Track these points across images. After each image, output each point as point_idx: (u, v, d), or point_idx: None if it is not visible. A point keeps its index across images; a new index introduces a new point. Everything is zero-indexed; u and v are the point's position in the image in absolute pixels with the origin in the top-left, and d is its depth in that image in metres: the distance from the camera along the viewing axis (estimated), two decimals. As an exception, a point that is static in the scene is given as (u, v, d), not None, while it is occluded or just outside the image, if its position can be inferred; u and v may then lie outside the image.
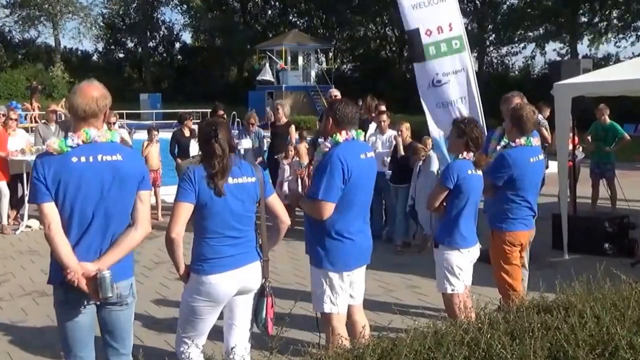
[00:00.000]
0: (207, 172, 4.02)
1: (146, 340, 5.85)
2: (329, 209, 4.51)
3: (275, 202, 4.34)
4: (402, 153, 9.48)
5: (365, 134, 9.95)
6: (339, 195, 4.51)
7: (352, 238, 4.62)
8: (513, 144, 5.75)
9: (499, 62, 50.96)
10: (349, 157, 4.54)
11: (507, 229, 5.69)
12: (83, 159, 3.66)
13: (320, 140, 4.84)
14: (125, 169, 3.75)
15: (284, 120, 11.69)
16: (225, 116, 12.61)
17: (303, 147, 11.99)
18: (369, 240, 4.83)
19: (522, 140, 5.71)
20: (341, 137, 4.62)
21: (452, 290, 5.25)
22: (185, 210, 3.98)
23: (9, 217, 10.90)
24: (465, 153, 5.27)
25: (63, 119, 13.65)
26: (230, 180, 4.05)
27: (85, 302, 3.75)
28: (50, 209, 3.63)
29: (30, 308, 6.88)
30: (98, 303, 3.75)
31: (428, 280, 7.25)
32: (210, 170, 4.01)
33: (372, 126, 10.37)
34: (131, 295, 3.91)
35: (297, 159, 11.07)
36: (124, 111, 34.59)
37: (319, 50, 47.98)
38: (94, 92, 3.73)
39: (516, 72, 49.20)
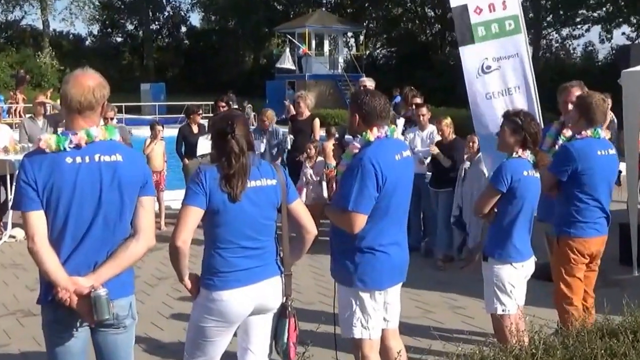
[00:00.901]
0: (220, 174, 4.03)
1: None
2: (360, 221, 4.50)
3: (299, 208, 4.35)
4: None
5: None
6: (372, 204, 4.49)
7: (386, 251, 4.60)
8: (578, 136, 5.75)
9: (559, 46, 50.65)
10: (383, 160, 4.51)
11: (576, 235, 5.68)
12: (78, 159, 3.65)
13: (349, 138, 4.83)
14: (126, 171, 3.75)
15: (306, 114, 11.69)
16: (230, 107, 12.60)
17: (330, 145, 12.00)
18: (406, 254, 4.81)
19: (589, 132, 5.72)
20: (372, 135, 4.60)
21: (503, 310, 5.23)
22: (194, 215, 4.01)
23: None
24: (520, 151, 5.26)
25: (50, 112, 13.67)
26: (247, 183, 4.07)
27: (78, 324, 3.74)
28: (37, 218, 3.60)
29: (14, 330, 6.94)
30: (92, 326, 3.76)
31: (474, 299, 7.23)
32: (225, 171, 4.03)
33: (401, 122, 10.35)
34: (130, 316, 3.89)
35: (322, 158, 11.06)
36: (123, 104, 34.88)
37: (347, 33, 48.05)
38: (90, 81, 3.74)
39: (577, 59, 48.88)
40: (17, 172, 11.28)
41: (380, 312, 4.70)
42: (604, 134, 5.83)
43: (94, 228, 3.69)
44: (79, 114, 3.71)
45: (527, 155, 5.27)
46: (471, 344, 4.21)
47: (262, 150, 11.38)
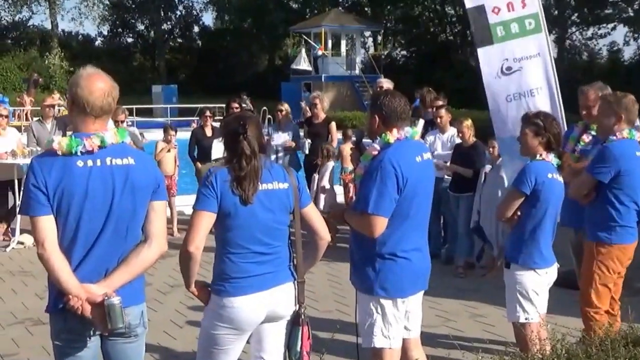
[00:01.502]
0: (231, 176, 4.06)
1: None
2: (381, 224, 4.50)
3: (312, 213, 4.35)
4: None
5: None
6: (393, 207, 4.50)
7: (408, 257, 4.60)
8: (614, 138, 5.74)
9: (583, 46, 50.46)
10: (403, 161, 4.51)
11: (615, 241, 5.67)
12: (90, 162, 3.66)
13: (367, 141, 4.84)
14: (138, 175, 3.76)
15: (322, 116, 11.72)
16: (242, 108, 12.62)
17: (347, 148, 12.05)
18: (428, 260, 4.81)
19: (625, 133, 5.73)
20: (392, 136, 4.60)
21: (526, 319, 5.23)
22: (206, 220, 4.03)
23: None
24: (544, 154, 5.26)
25: (59, 114, 13.64)
26: (258, 186, 4.08)
27: (90, 333, 3.75)
28: (47, 223, 3.60)
29: (23, 339, 6.98)
30: (106, 334, 3.76)
31: (495, 308, 7.24)
32: (236, 173, 4.05)
33: (420, 124, 10.36)
34: (142, 325, 3.91)
35: (331, 163, 11.08)
36: (134, 106, 34.96)
37: (365, 32, 48.01)
38: (104, 83, 3.75)
39: (604, 59, 48.68)
40: (25, 176, 11.49)
41: (402, 321, 4.70)
42: (639, 135, 5.82)
43: (105, 234, 3.69)
44: (95, 118, 3.72)
45: (551, 158, 5.27)
46: (491, 353, 4.22)
47: (284, 141, 11.47)
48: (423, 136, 10.02)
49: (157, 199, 3.86)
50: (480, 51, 9.62)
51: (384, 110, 4.65)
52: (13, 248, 10.77)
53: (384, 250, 4.56)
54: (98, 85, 3.72)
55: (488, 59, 9.55)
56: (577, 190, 5.72)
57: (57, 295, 3.68)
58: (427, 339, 6.30)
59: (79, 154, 3.65)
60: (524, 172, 5.27)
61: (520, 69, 9.48)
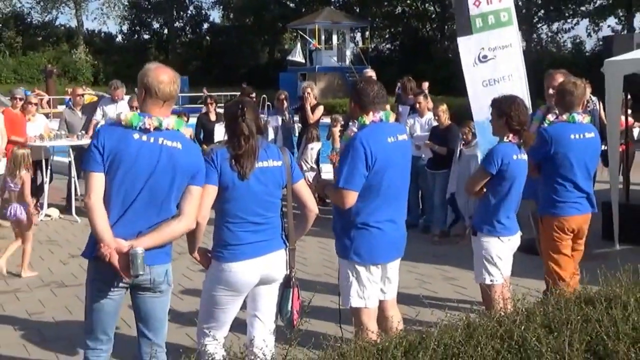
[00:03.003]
0: (231, 154, 4.05)
1: (169, 333, 5.90)
2: (350, 197, 4.48)
3: (302, 189, 4.34)
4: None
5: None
6: (362, 182, 4.47)
7: (380, 227, 4.57)
8: (555, 120, 5.69)
9: (549, 39, 50.28)
10: (373, 141, 4.48)
11: (557, 214, 5.63)
12: (144, 137, 3.79)
13: (351, 124, 4.81)
14: (183, 158, 3.85)
15: (313, 103, 11.66)
16: (254, 98, 12.65)
17: (337, 131, 12.05)
18: (401, 231, 4.76)
19: (564, 116, 5.65)
20: (367, 118, 4.58)
21: (491, 280, 5.20)
22: (209, 193, 4.03)
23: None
24: (511, 136, 5.21)
25: (84, 102, 13.75)
26: (255, 163, 4.07)
27: (116, 283, 3.83)
28: (97, 179, 3.74)
29: (48, 300, 7.01)
30: (130, 281, 3.81)
31: (466, 271, 7.19)
32: (235, 152, 4.05)
33: (405, 110, 10.33)
34: (166, 282, 3.98)
35: (312, 145, 11.05)
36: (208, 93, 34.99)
37: (354, 28, 47.79)
38: (167, 73, 3.90)
39: (567, 51, 48.53)
40: (51, 156, 11.45)
41: (376, 284, 4.68)
42: (581, 118, 5.70)
43: (141, 201, 3.79)
44: (163, 102, 3.86)
45: (518, 140, 5.21)
46: (460, 312, 4.20)
47: (279, 123, 11.41)
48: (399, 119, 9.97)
49: (195, 183, 3.93)
50: (461, 40, 9.53)
51: (360, 95, 4.63)
52: (41, 220, 10.73)
53: (358, 220, 4.54)
54: (164, 75, 3.88)
55: (468, 48, 9.46)
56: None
57: (92, 243, 3.80)
58: (404, 299, 6.29)
59: (137, 128, 3.78)
60: (491, 154, 5.22)
61: (494, 57, 9.42)
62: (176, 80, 3.93)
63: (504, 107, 5.22)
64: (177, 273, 7.79)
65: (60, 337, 5.91)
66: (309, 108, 11.21)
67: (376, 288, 4.68)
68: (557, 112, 5.93)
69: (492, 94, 8.89)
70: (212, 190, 4.04)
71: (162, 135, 3.82)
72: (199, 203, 3.95)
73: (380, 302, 4.78)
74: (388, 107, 5.18)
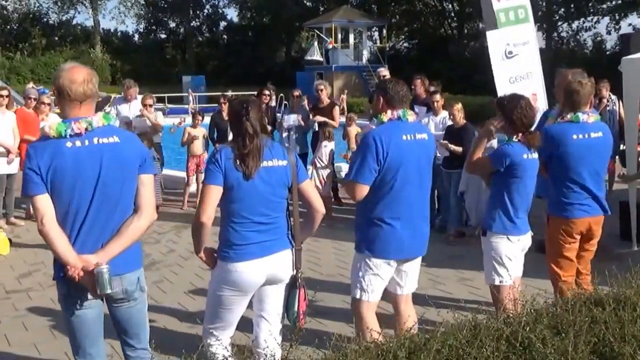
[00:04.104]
0: (235, 153, 4.05)
1: (178, 334, 5.95)
2: (359, 190, 4.56)
3: (308, 188, 4.34)
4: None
5: None
6: (373, 176, 4.53)
7: (392, 224, 4.59)
8: (561, 120, 5.60)
9: (570, 37, 49.84)
10: (387, 138, 4.52)
11: (563, 215, 5.52)
12: (78, 143, 3.64)
13: (370, 122, 4.88)
14: (124, 151, 3.74)
15: (326, 101, 11.66)
16: (271, 96, 12.65)
17: (353, 130, 12.06)
18: (418, 230, 4.74)
19: (569, 116, 5.52)
20: (386, 116, 4.66)
21: (500, 281, 5.17)
22: (214, 193, 4.03)
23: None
24: (520, 135, 5.16)
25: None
26: (260, 163, 4.07)
27: (90, 296, 3.76)
28: (43, 201, 3.59)
29: (60, 298, 7.03)
30: (96, 299, 3.77)
31: (481, 272, 7.10)
32: (240, 151, 4.04)
33: (423, 110, 10.31)
34: (139, 289, 3.91)
35: (326, 143, 11.02)
36: (166, 94, 35.08)
37: (371, 27, 47.67)
38: (80, 73, 3.72)
39: (588, 50, 48.10)
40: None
41: (383, 280, 4.72)
42: (586, 117, 5.52)
43: (95, 207, 3.67)
44: (80, 103, 3.69)
45: (524, 140, 5.16)
46: (470, 313, 4.18)
47: (296, 122, 11.44)
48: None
49: (144, 172, 3.84)
50: (489, 34, 9.52)
51: (389, 93, 4.71)
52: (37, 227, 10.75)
53: (372, 216, 4.60)
54: (77, 74, 3.70)
55: (494, 42, 9.47)
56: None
57: (60, 265, 3.69)
58: (416, 299, 6.26)
59: (67, 136, 3.63)
60: (500, 153, 5.18)
61: (518, 54, 9.43)
62: (91, 79, 3.73)
63: (507, 111, 5.17)
64: (189, 272, 7.88)
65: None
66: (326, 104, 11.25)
67: (382, 284, 4.74)
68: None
69: (518, 91, 8.83)
70: (217, 191, 4.04)
71: (96, 135, 3.67)
72: (153, 191, 3.89)
73: (395, 296, 4.87)
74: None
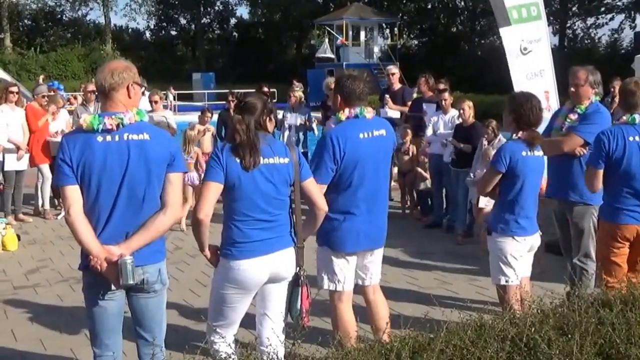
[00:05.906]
0: (230, 146, 4.06)
1: (184, 330, 5.94)
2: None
3: (311, 186, 4.32)
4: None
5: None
6: (330, 175, 4.65)
7: (349, 219, 4.73)
8: (617, 122, 5.42)
9: (584, 35, 49.56)
10: (344, 137, 4.62)
11: (610, 220, 5.35)
12: (108, 138, 3.70)
13: (329, 121, 4.90)
14: (153, 148, 3.77)
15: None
16: (268, 94, 12.61)
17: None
18: (376, 223, 4.86)
19: (625, 117, 5.32)
20: (344, 114, 4.72)
21: (506, 281, 5.13)
22: (213, 190, 4.02)
23: (52, 199, 11.19)
24: (520, 133, 5.13)
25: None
26: (259, 158, 4.06)
27: (113, 288, 3.80)
28: (72, 191, 3.69)
29: (67, 294, 7.07)
30: (119, 288, 3.80)
31: (489, 272, 7.15)
32: (233, 143, 4.05)
33: (432, 107, 10.28)
34: (159, 282, 3.92)
35: None
36: (176, 91, 35.13)
37: (383, 24, 47.59)
38: (112, 64, 3.84)
39: (603, 47, 47.81)
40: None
41: (345, 271, 4.84)
42: None
43: (121, 201, 3.73)
44: (106, 95, 3.78)
45: (526, 138, 5.11)
46: (476, 313, 4.16)
47: (296, 122, 11.41)
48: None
49: (173, 170, 3.85)
50: (502, 31, 9.50)
51: (345, 91, 4.76)
52: (64, 216, 10.78)
53: (331, 212, 4.57)
54: (105, 66, 3.83)
55: (509, 38, 9.45)
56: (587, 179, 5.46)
57: (85, 256, 3.76)
58: (422, 299, 6.28)
59: (99, 131, 3.70)
60: (499, 152, 5.15)
61: (532, 50, 9.40)
62: (112, 72, 3.76)
63: (516, 105, 5.13)
64: (196, 270, 7.88)
65: (76, 332, 5.94)
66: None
67: (348, 274, 4.85)
68: (579, 111, 5.84)
69: (534, 88, 8.76)
70: (216, 188, 4.02)
71: (126, 131, 3.73)
72: (181, 190, 3.92)
73: (362, 287, 5.00)
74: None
